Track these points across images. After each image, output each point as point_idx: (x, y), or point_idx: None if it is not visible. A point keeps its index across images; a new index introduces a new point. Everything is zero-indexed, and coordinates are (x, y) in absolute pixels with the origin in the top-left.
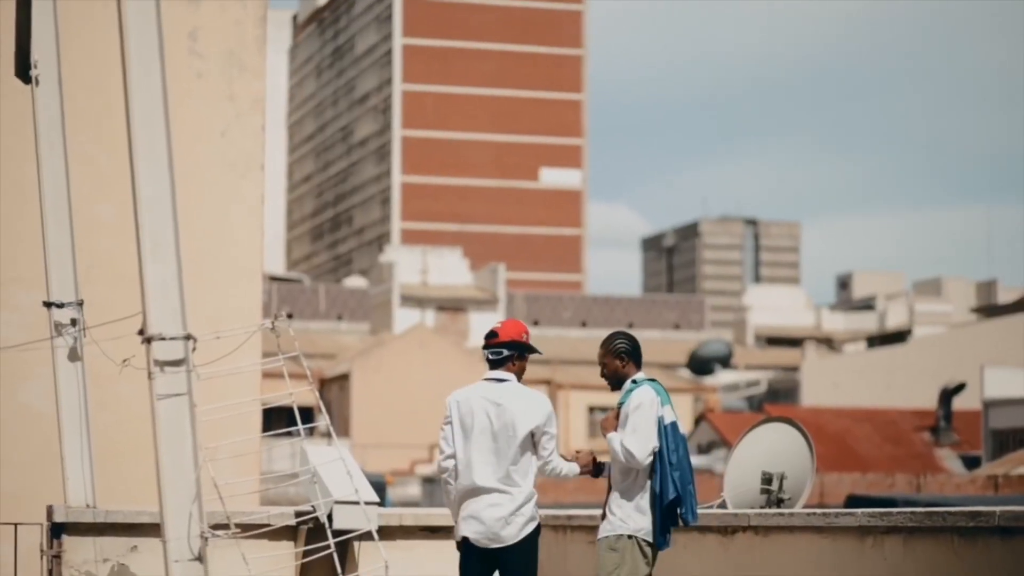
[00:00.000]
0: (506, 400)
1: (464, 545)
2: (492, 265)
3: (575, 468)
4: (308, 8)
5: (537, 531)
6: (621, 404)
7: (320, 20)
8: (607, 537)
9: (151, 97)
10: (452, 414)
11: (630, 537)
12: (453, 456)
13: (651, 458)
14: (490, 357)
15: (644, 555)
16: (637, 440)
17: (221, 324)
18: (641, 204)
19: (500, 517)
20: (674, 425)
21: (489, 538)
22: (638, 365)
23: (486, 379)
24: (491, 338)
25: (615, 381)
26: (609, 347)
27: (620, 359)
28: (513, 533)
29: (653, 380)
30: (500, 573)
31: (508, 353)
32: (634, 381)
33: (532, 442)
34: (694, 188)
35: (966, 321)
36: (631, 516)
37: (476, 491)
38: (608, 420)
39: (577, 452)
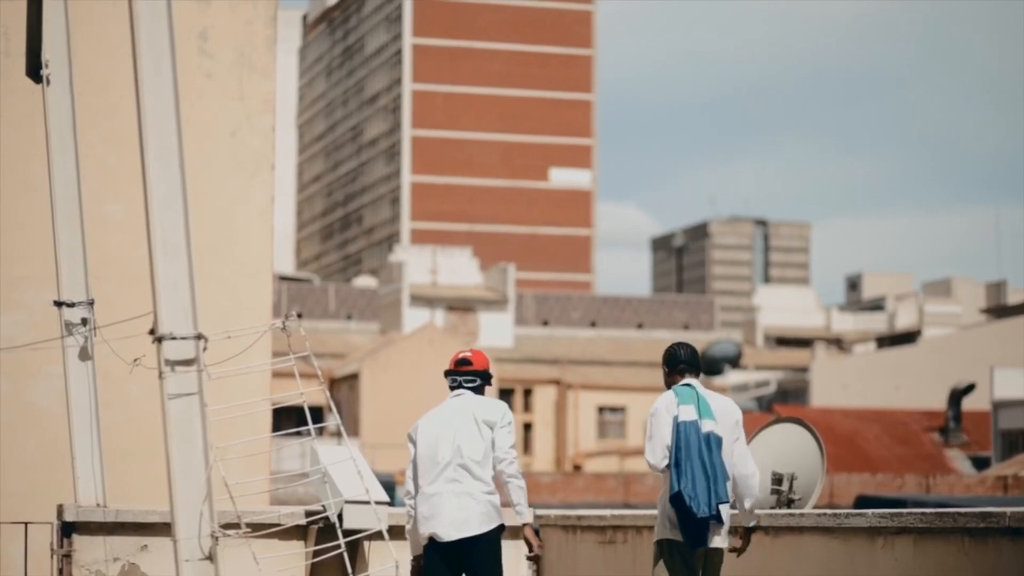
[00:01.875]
0: (466, 404)
1: (429, 547)
2: (502, 265)
3: (522, 503)
4: (318, 8)
5: (500, 529)
6: None
7: (330, 20)
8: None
9: (162, 97)
10: (416, 440)
11: (658, 542)
12: (416, 487)
13: (667, 460)
14: (465, 384)
15: (670, 557)
16: (649, 447)
17: (231, 324)
18: (650, 204)
19: (462, 505)
20: (686, 424)
21: (456, 527)
22: (678, 373)
23: (454, 396)
24: (464, 364)
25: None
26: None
27: (664, 371)
28: (477, 524)
29: (685, 385)
30: (466, 565)
31: (480, 382)
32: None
33: (491, 437)
34: (703, 188)
35: (975, 322)
36: (658, 521)
37: (438, 488)
38: None
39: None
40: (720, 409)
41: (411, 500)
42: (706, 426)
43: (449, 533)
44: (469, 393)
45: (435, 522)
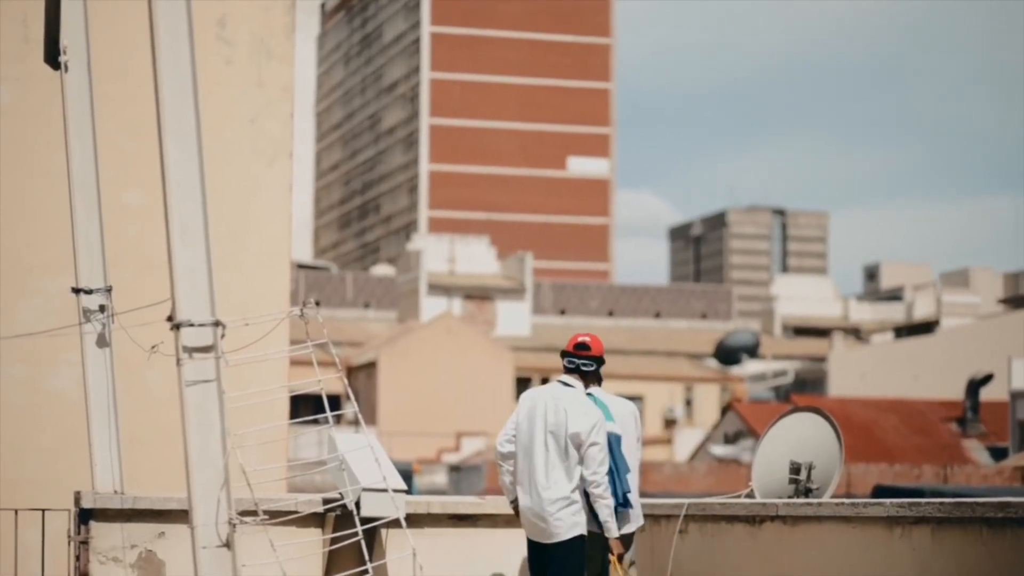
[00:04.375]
0: (564, 403)
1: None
2: (519, 254)
3: (610, 519)
4: None
5: (582, 538)
6: None
7: (348, 8)
8: None
9: (181, 84)
10: (521, 408)
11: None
12: (512, 442)
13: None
14: (583, 368)
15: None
16: None
17: (249, 311)
18: (669, 193)
19: (543, 517)
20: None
21: (535, 534)
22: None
23: (559, 381)
24: (583, 349)
25: None
26: None
27: None
28: (553, 532)
29: (588, 394)
30: (548, 567)
31: (596, 367)
32: None
33: (577, 449)
34: (722, 177)
35: (993, 312)
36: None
37: (525, 494)
38: None
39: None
40: (619, 412)
41: (505, 462)
42: (607, 427)
43: (535, 535)
44: (578, 388)
45: (524, 523)
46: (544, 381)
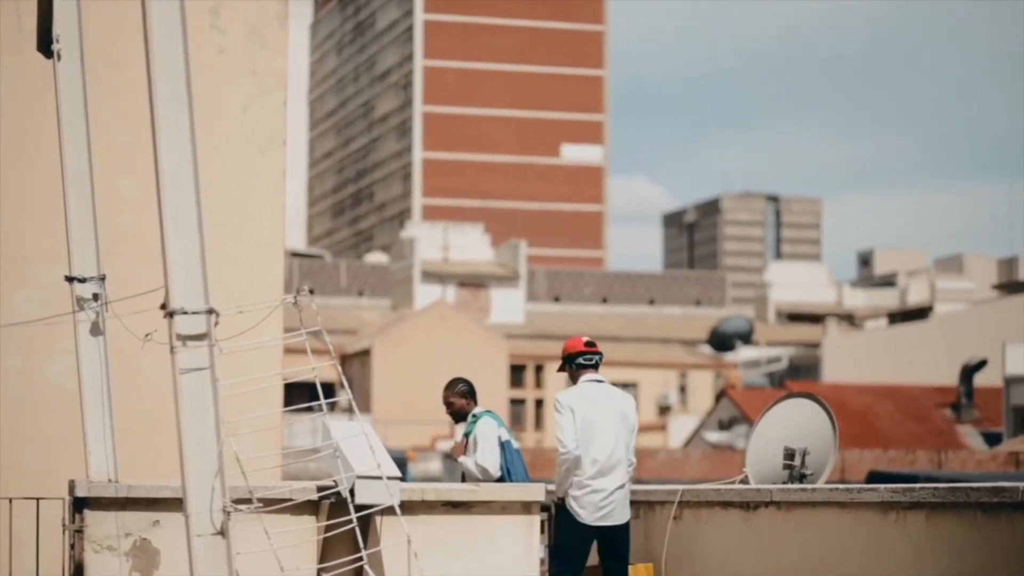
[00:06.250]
0: (618, 398)
1: (575, 524)
2: (513, 241)
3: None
4: None
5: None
6: (467, 434)
7: None
8: None
9: (174, 72)
10: (575, 411)
11: None
12: (576, 447)
13: (501, 471)
14: (597, 361)
15: None
16: (490, 459)
17: (242, 299)
18: (662, 180)
19: (612, 500)
20: (508, 442)
21: (601, 519)
22: (476, 401)
23: (590, 380)
24: (592, 346)
25: (459, 416)
26: (453, 390)
27: (464, 398)
28: (619, 515)
29: (490, 411)
30: (606, 549)
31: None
32: (474, 415)
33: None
34: (716, 164)
35: (987, 298)
36: None
37: (599, 485)
38: (457, 448)
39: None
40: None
41: (567, 454)
42: (501, 433)
43: (606, 519)
44: (607, 383)
45: (592, 509)
46: (539, 368)
